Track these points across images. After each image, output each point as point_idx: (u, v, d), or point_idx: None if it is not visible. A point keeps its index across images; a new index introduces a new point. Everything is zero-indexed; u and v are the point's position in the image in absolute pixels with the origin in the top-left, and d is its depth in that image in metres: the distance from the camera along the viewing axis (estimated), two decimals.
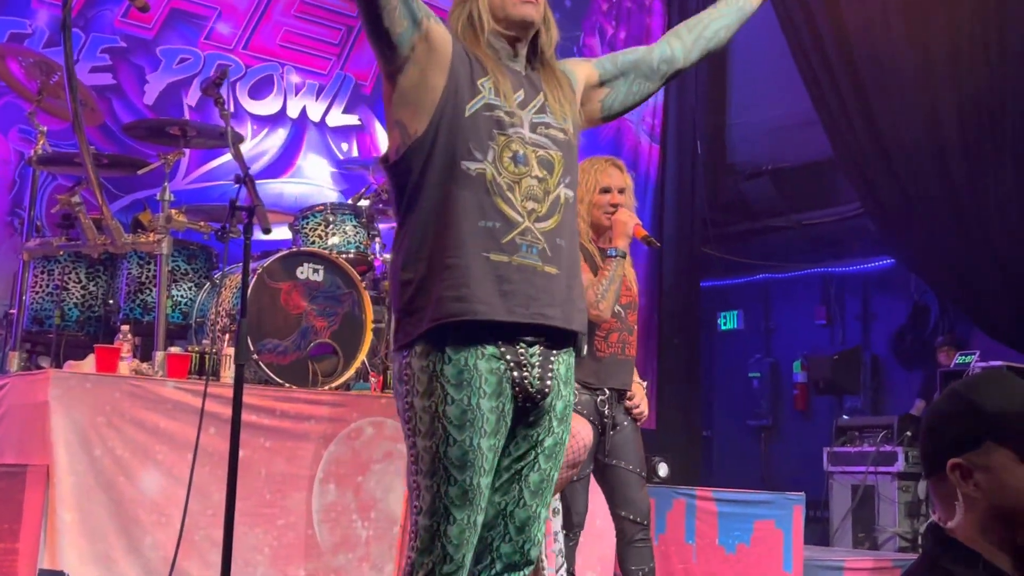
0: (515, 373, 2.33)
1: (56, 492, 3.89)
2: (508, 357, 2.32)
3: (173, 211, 4.87)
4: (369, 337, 5.00)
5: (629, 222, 4.18)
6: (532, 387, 2.34)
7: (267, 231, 3.37)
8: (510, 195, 2.31)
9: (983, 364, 7.42)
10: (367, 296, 5.04)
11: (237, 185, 3.50)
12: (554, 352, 2.40)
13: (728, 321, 10.34)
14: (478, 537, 2.36)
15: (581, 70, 2.57)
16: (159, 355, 4.51)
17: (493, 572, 2.41)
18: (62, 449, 3.93)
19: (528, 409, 2.38)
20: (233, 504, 3.06)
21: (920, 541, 7.36)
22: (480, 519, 2.34)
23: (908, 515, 7.55)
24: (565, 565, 4.19)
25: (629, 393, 4.32)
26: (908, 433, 7.68)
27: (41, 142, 5.25)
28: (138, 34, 7.32)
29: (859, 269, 9.44)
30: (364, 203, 5.72)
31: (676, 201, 9.79)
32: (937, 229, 7.71)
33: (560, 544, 4.12)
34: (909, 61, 7.56)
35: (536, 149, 2.35)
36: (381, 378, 5.08)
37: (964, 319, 8.42)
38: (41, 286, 5.07)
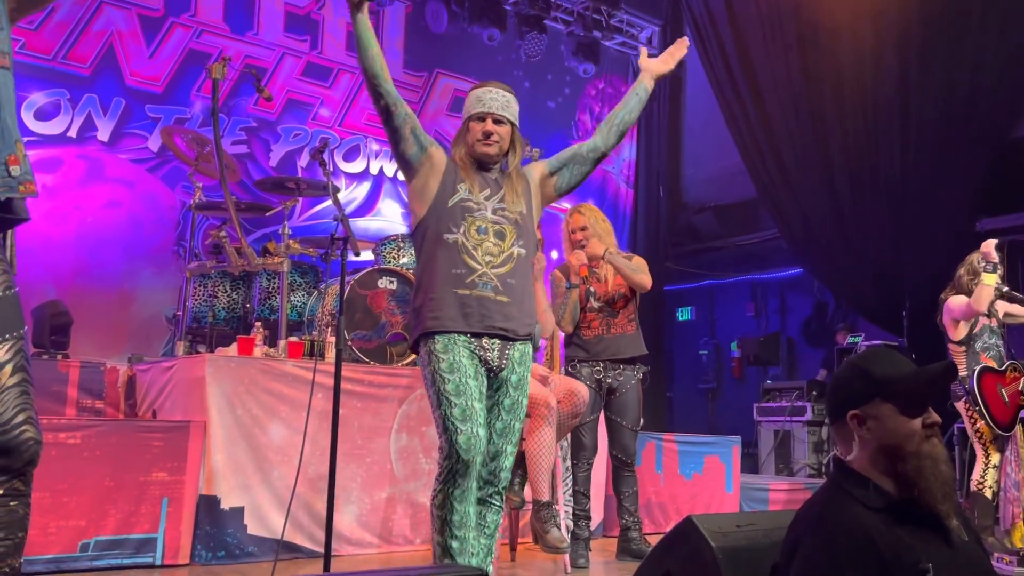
0: (479, 353, 2.60)
1: (210, 440, 3.91)
2: (474, 345, 2.60)
3: (291, 241, 4.88)
4: None
5: (575, 264, 4.20)
6: (492, 363, 2.62)
7: (357, 254, 3.38)
8: (474, 252, 2.60)
9: (867, 343, 7.35)
10: None
11: (335, 222, 3.50)
12: (509, 343, 2.64)
13: (684, 314, 10.28)
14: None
15: (537, 170, 2.80)
16: (282, 342, 4.53)
17: (476, 488, 2.58)
18: (215, 410, 3.95)
19: (491, 379, 2.63)
20: (335, 447, 3.05)
21: (823, 470, 7.30)
22: (483, 432, 2.53)
23: (815, 451, 7.49)
24: (571, 484, 4.20)
25: (632, 361, 4.29)
26: (814, 392, 7.62)
27: (197, 194, 5.28)
28: (265, 117, 7.36)
29: (777, 276, 9.37)
30: None
31: (646, 230, 9.76)
32: (832, 248, 7.66)
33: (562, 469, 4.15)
34: (811, 129, 7.54)
35: (494, 224, 2.64)
36: None
37: (852, 311, 8.35)
38: (199, 295, 5.10)
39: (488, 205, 2.64)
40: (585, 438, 4.20)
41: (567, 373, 4.26)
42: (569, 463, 4.24)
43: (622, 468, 4.32)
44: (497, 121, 2.67)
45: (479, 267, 2.58)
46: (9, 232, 1.89)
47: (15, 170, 1.81)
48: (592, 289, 4.28)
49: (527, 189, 2.73)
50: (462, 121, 2.75)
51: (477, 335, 2.57)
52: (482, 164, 2.69)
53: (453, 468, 2.48)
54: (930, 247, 6.93)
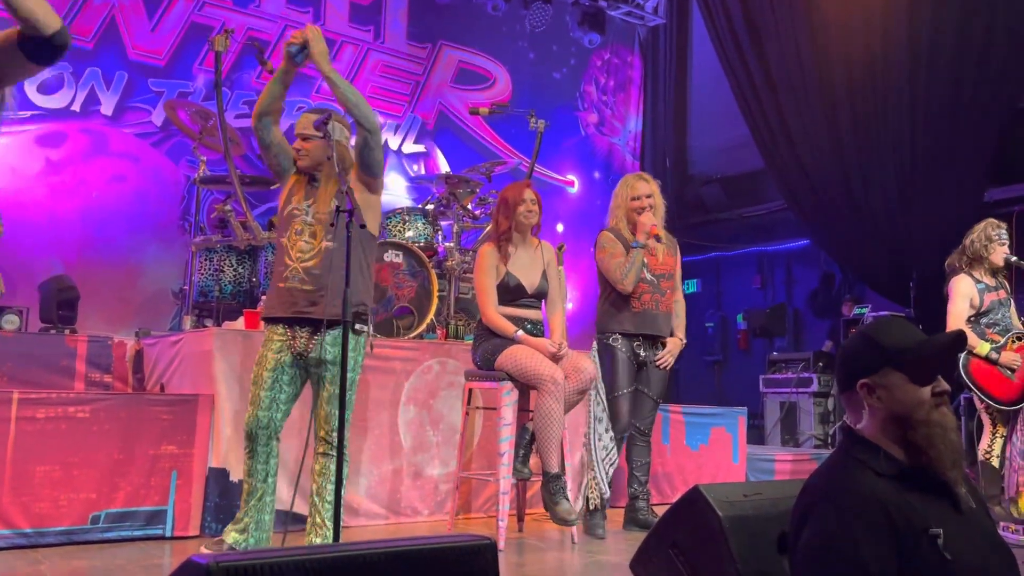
0: (291, 341, 3.23)
1: (219, 413, 3.94)
2: (288, 333, 3.23)
3: None
4: (435, 302, 5.00)
5: (647, 223, 4.19)
6: (300, 349, 3.23)
7: (363, 227, 3.37)
8: (292, 251, 3.24)
9: (874, 314, 7.33)
10: (433, 273, 5.03)
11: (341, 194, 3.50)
12: (320, 329, 3.19)
13: (690, 286, 10.25)
14: (312, 430, 3.22)
15: (351, 174, 3.31)
16: None
17: (318, 447, 3.23)
18: (222, 383, 3.98)
19: (306, 361, 3.23)
20: (343, 420, 3.07)
21: (830, 441, 7.32)
22: (262, 414, 3.19)
23: (820, 422, 7.50)
24: (615, 455, 4.22)
25: (663, 341, 4.32)
26: (820, 364, 7.61)
27: (202, 168, 5.27)
28: None
29: (784, 248, 9.33)
30: (430, 207, 5.71)
31: None
32: (838, 219, 7.62)
33: (605, 442, 4.18)
34: (818, 99, 7.47)
35: (309, 226, 3.23)
36: (444, 330, 5.08)
37: (859, 282, 8.32)
38: (205, 269, 5.11)
39: (309, 210, 3.25)
40: (622, 411, 4.22)
41: (604, 347, 4.27)
42: (589, 437, 4.26)
43: (638, 436, 4.32)
44: (304, 139, 3.29)
45: (291, 263, 3.22)
46: None
47: None
48: (645, 260, 4.30)
49: (340, 190, 3.19)
50: None
51: (290, 323, 3.20)
52: (307, 176, 3.30)
53: (248, 428, 3.22)
54: (938, 217, 6.89)
